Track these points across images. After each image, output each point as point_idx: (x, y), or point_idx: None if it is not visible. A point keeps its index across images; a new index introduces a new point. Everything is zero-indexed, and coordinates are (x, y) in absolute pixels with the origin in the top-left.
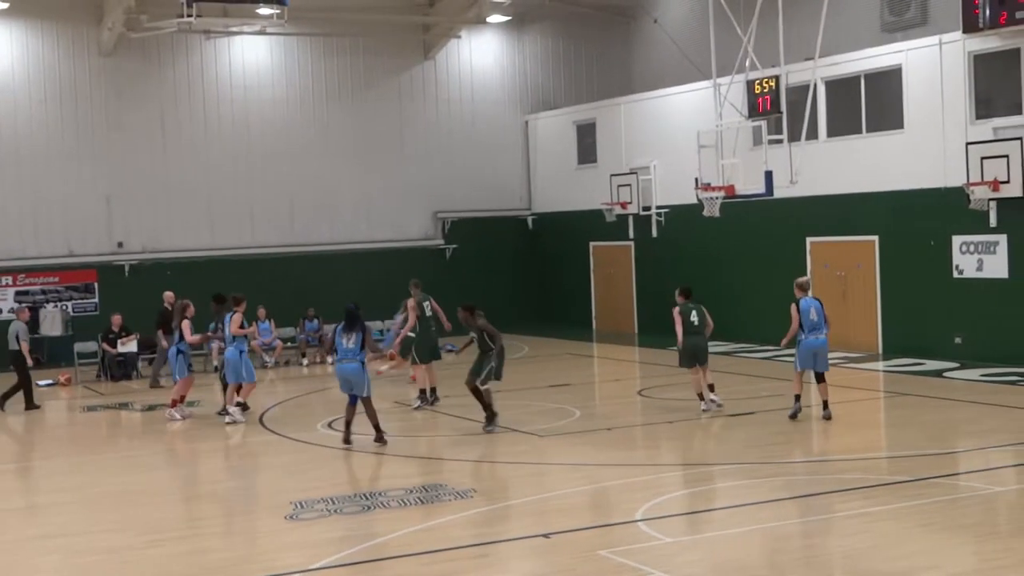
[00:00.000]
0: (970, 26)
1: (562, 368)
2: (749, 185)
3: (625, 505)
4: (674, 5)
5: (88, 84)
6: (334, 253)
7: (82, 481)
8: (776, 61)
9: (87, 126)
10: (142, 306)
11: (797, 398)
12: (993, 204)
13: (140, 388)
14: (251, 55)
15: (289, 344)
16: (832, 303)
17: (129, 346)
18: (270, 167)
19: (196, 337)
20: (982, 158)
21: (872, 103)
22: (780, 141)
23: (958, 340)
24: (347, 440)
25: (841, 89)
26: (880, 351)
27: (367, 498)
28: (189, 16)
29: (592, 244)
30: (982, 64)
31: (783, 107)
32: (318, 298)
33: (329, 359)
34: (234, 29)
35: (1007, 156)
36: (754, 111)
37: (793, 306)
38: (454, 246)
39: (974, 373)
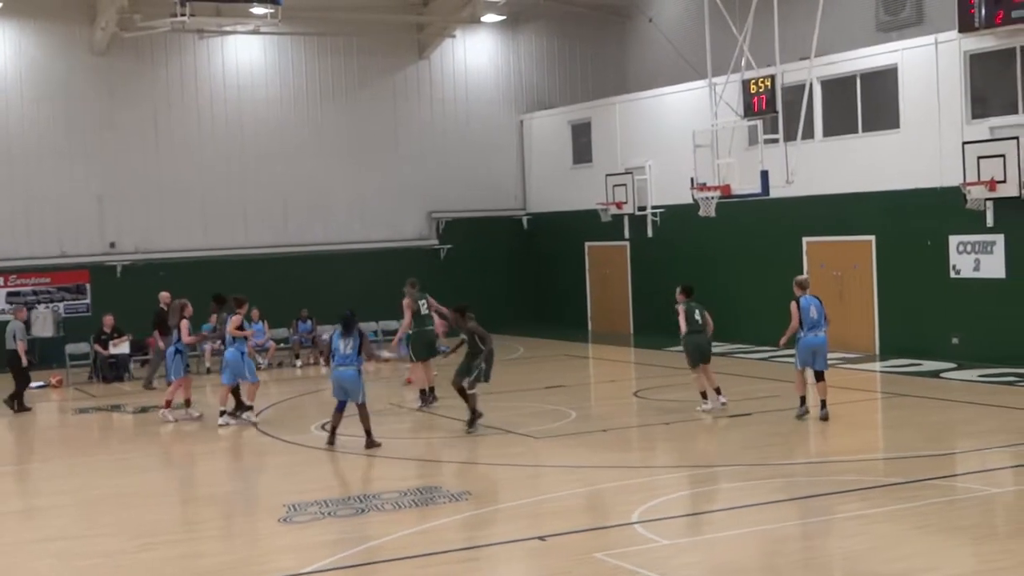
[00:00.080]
0: (966, 25)
1: (557, 369)
2: (745, 185)
3: (621, 507)
4: (669, 4)
5: (81, 83)
6: (328, 253)
7: (76, 484)
8: (772, 60)
9: (79, 125)
10: (134, 307)
11: (802, 400)
12: (990, 204)
13: (132, 390)
14: (244, 55)
15: (283, 345)
16: (829, 303)
17: (121, 348)
18: (264, 167)
19: (192, 337)
20: (978, 158)
21: (868, 103)
22: (776, 141)
23: (955, 340)
24: (331, 443)
25: (837, 89)
26: (877, 352)
27: (361, 501)
28: (182, 15)
29: (587, 244)
30: (978, 63)
31: (779, 107)
32: (312, 299)
33: (323, 365)
34: (227, 29)
35: (1003, 155)
36: (750, 111)
37: (793, 304)
38: (448, 246)
39: (972, 374)
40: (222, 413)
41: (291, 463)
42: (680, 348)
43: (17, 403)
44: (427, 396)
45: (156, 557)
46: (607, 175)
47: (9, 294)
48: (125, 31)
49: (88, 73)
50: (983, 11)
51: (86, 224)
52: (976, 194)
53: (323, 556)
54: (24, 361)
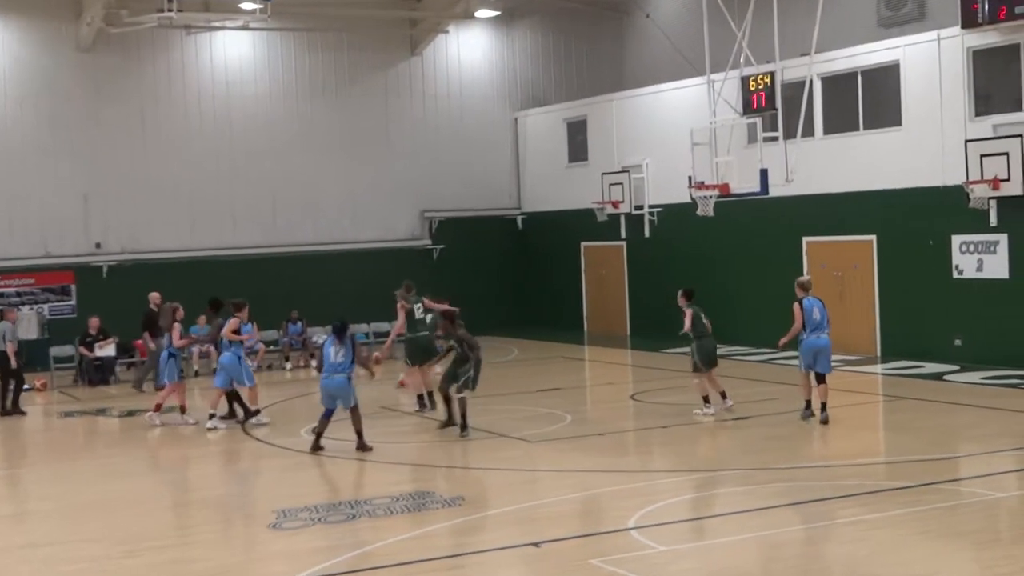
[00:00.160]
0: (969, 21)
1: (553, 371)
2: (744, 184)
3: (617, 513)
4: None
5: (66, 80)
6: (318, 253)
7: (62, 489)
8: (771, 57)
9: (65, 122)
10: (120, 308)
11: (808, 404)
12: (993, 203)
13: (118, 393)
14: (233, 50)
15: (272, 347)
16: (829, 304)
17: (107, 350)
18: (253, 165)
19: (183, 341)
20: (982, 156)
21: (869, 100)
22: (775, 138)
23: (958, 342)
24: (315, 450)
25: (837, 85)
26: (878, 353)
27: (352, 506)
28: (170, 11)
29: (583, 244)
30: (981, 60)
31: (778, 104)
32: (302, 300)
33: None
34: (216, 24)
35: (1007, 153)
36: (749, 108)
37: (796, 305)
38: (441, 246)
39: (975, 376)
40: (211, 416)
41: (281, 467)
42: (679, 350)
43: (12, 404)
44: (424, 401)
45: (142, 563)
46: (603, 174)
47: None
48: (111, 27)
49: (74, 70)
50: (986, 6)
51: (71, 223)
52: (979, 193)
53: (314, 563)
54: (14, 363)
